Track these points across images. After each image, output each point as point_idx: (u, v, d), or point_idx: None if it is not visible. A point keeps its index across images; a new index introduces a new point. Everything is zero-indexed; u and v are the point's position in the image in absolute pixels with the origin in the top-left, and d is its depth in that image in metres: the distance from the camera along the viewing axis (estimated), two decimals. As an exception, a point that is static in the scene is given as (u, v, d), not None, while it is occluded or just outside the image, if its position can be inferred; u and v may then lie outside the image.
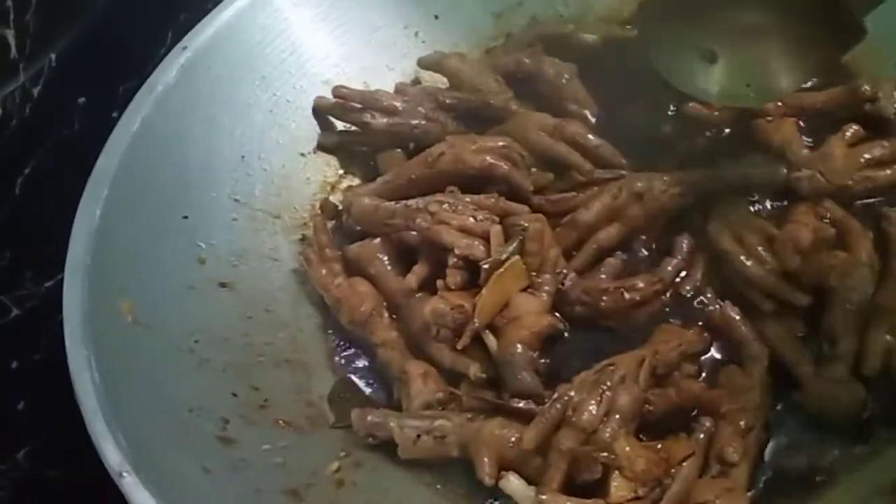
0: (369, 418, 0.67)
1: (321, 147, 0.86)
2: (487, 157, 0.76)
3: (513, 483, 0.62)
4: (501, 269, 0.69)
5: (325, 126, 0.86)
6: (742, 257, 0.72)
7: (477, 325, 0.68)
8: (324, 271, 0.76)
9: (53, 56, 0.79)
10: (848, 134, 0.76)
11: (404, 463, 0.67)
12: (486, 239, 0.70)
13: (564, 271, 0.72)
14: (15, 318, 0.79)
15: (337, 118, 0.86)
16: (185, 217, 0.75)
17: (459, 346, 0.68)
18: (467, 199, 0.74)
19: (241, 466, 0.63)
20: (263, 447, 0.66)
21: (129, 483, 0.56)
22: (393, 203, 0.76)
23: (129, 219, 0.71)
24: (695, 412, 0.67)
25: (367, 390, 0.74)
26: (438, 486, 0.67)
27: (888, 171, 0.75)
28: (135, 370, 0.65)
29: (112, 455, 0.57)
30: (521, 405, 0.65)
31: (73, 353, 0.62)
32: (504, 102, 0.84)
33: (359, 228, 0.78)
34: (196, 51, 0.79)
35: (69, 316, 0.64)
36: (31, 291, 0.80)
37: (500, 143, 0.78)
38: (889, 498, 0.62)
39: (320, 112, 0.86)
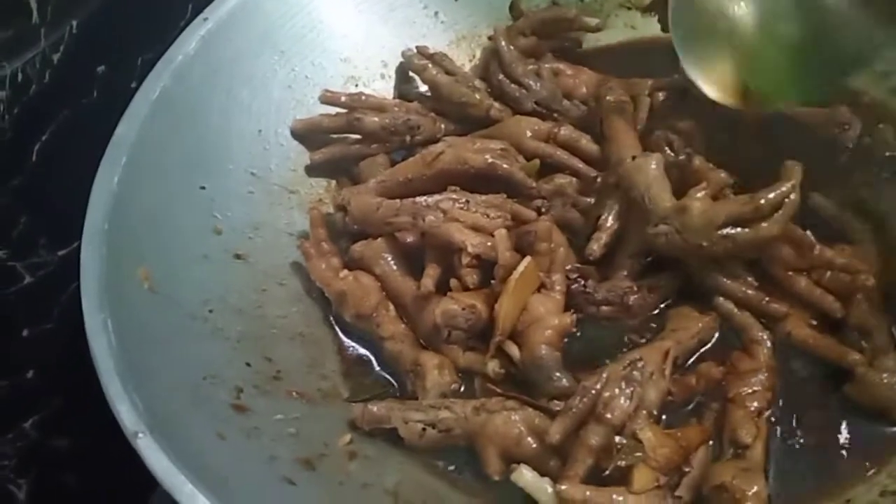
0: (374, 410, 0.67)
1: (313, 165, 0.83)
2: (489, 157, 0.76)
3: (526, 476, 0.61)
4: (517, 274, 0.68)
5: (311, 147, 0.84)
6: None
7: (500, 337, 0.67)
8: (323, 265, 0.75)
9: (75, 23, 0.78)
10: (702, 191, 0.68)
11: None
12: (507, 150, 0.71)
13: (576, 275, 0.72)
14: (28, 285, 0.79)
15: (324, 132, 0.83)
16: (203, 188, 0.75)
17: (487, 360, 0.68)
18: (478, 198, 0.73)
19: (254, 434, 0.63)
20: (276, 417, 0.66)
21: (145, 443, 0.56)
22: (397, 201, 0.75)
23: (147, 187, 0.72)
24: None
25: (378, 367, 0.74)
26: (451, 464, 0.67)
27: (748, 230, 0.67)
28: (150, 336, 0.65)
29: (128, 415, 0.57)
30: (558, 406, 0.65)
31: (90, 316, 0.62)
32: (484, 112, 0.83)
33: (356, 228, 0.77)
34: (216, 22, 0.79)
35: (86, 280, 0.64)
36: (44, 259, 0.80)
37: (500, 146, 0.77)
38: None
39: (301, 134, 0.83)
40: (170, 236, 0.71)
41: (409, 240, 0.74)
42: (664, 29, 0.89)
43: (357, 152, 0.83)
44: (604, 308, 0.71)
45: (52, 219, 0.79)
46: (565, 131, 0.80)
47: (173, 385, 0.63)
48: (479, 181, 0.76)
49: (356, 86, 0.87)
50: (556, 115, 0.83)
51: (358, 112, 0.82)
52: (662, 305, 0.72)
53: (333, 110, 0.83)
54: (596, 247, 0.72)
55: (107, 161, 0.70)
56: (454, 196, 0.73)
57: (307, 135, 0.83)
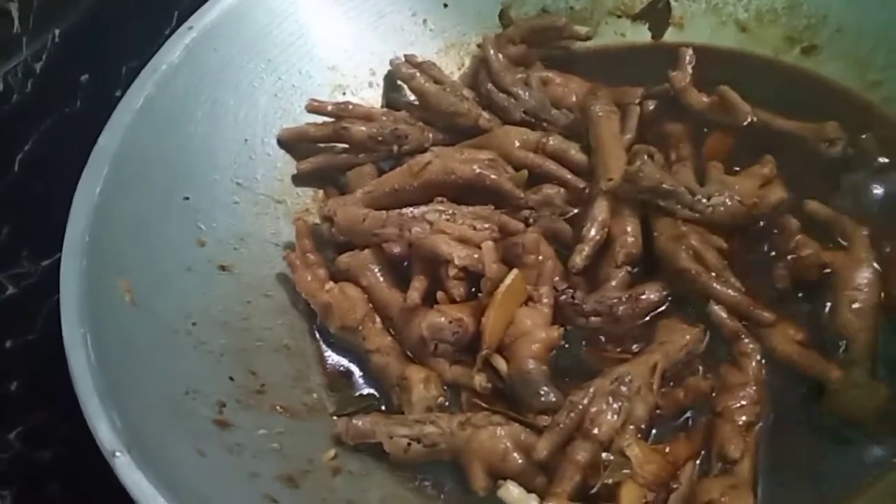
0: (359, 425, 0.66)
1: (300, 175, 0.82)
2: (476, 167, 0.75)
3: (512, 492, 0.61)
4: (504, 287, 0.67)
5: (298, 156, 0.83)
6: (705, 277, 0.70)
7: (487, 351, 0.67)
8: (308, 277, 0.74)
9: (57, 31, 0.78)
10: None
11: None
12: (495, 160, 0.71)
13: (565, 286, 0.71)
14: (10, 296, 0.79)
15: (311, 141, 0.83)
16: (186, 198, 0.74)
17: (475, 374, 0.67)
18: (465, 210, 0.73)
19: (236, 450, 0.62)
20: (259, 432, 0.65)
21: (122, 463, 0.55)
22: (384, 212, 0.74)
23: (130, 198, 0.71)
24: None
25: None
26: (436, 481, 0.66)
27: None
28: (131, 350, 0.64)
29: (105, 434, 0.56)
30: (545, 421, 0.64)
31: (68, 331, 0.61)
32: (473, 121, 0.82)
33: (342, 239, 0.76)
34: (201, 31, 0.78)
35: (66, 293, 0.63)
36: (27, 270, 0.79)
37: (488, 156, 0.76)
38: None
39: (287, 143, 0.82)
40: (153, 248, 0.70)
41: (395, 251, 0.73)
42: (654, 36, 0.89)
43: (344, 161, 0.82)
44: (592, 319, 0.70)
45: (34, 229, 0.78)
46: (554, 141, 0.79)
47: (154, 401, 0.62)
48: (467, 192, 0.75)
49: (344, 94, 0.86)
50: (544, 124, 0.82)
51: (345, 121, 0.81)
52: (652, 315, 0.71)
53: (321, 119, 0.83)
54: (578, 259, 0.72)
55: (89, 171, 0.69)
56: (440, 207, 0.72)
57: (294, 144, 0.83)
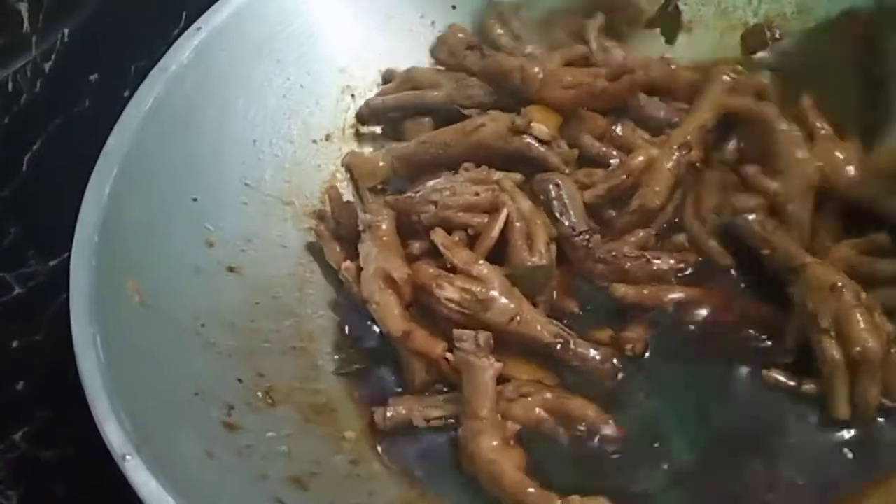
0: (395, 412, 0.67)
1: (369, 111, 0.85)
2: (527, 137, 0.75)
3: None
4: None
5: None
6: None
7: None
8: (337, 248, 0.76)
9: (66, 31, 0.78)
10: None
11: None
12: (495, 209, 0.71)
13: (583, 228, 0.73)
14: (17, 296, 0.78)
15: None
16: (195, 199, 0.74)
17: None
18: (460, 179, 0.73)
19: (245, 453, 0.62)
20: (268, 434, 0.65)
21: (132, 465, 0.55)
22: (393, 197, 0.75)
23: (139, 198, 0.70)
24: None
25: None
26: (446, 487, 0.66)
27: None
28: (140, 351, 0.64)
29: (115, 436, 0.56)
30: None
31: (78, 331, 0.61)
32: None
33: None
34: (211, 32, 0.78)
35: (76, 293, 0.63)
36: (34, 270, 0.79)
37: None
38: None
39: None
40: (161, 249, 0.70)
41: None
42: (668, 41, 0.88)
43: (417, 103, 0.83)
44: (599, 267, 0.72)
45: (41, 229, 0.78)
46: (622, 130, 0.78)
47: (163, 402, 0.62)
48: (513, 160, 0.76)
49: (353, 96, 0.86)
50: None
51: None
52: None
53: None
54: (587, 195, 0.74)
55: (98, 172, 0.69)
56: (439, 185, 0.73)
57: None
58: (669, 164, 0.74)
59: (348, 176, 0.79)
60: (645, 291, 0.71)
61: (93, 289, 0.63)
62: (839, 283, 0.64)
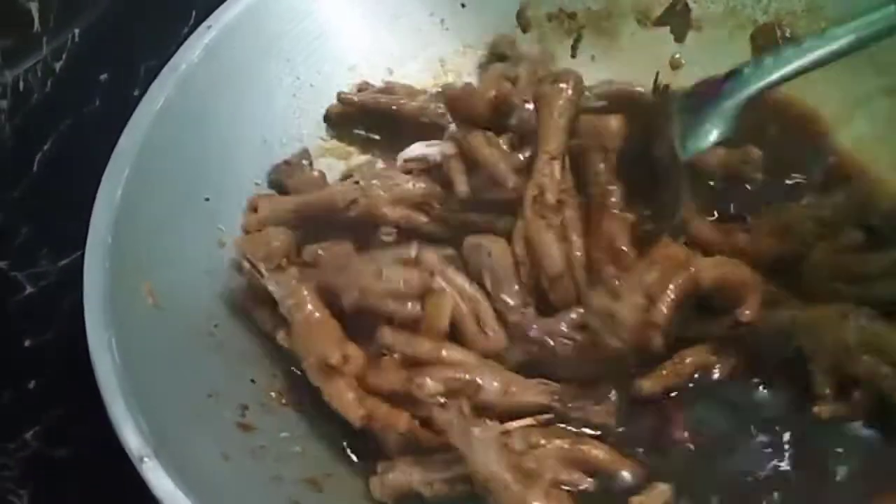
0: (392, 478, 0.62)
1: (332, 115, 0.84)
2: (403, 208, 0.74)
3: None
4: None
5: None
6: None
7: None
8: (268, 314, 0.70)
9: (77, 31, 0.78)
10: None
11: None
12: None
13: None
14: (28, 295, 0.78)
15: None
16: (207, 199, 0.74)
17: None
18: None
19: (259, 454, 0.63)
20: (282, 435, 0.65)
21: (150, 467, 0.55)
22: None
23: (151, 199, 0.70)
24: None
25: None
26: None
27: None
28: (154, 353, 0.64)
29: (132, 439, 0.56)
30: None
31: (93, 335, 0.61)
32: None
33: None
34: (221, 30, 0.78)
35: (90, 296, 0.63)
36: (45, 269, 0.79)
37: (420, 191, 0.74)
38: None
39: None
40: (174, 249, 0.70)
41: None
42: (677, 39, 0.88)
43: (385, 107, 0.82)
44: (533, 349, 0.66)
45: (53, 229, 0.78)
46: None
47: (178, 404, 0.62)
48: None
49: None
50: None
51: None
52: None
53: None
54: None
55: (110, 173, 0.69)
56: (364, 266, 0.68)
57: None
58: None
59: (248, 265, 0.70)
60: (664, 372, 0.65)
61: (107, 291, 0.64)
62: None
